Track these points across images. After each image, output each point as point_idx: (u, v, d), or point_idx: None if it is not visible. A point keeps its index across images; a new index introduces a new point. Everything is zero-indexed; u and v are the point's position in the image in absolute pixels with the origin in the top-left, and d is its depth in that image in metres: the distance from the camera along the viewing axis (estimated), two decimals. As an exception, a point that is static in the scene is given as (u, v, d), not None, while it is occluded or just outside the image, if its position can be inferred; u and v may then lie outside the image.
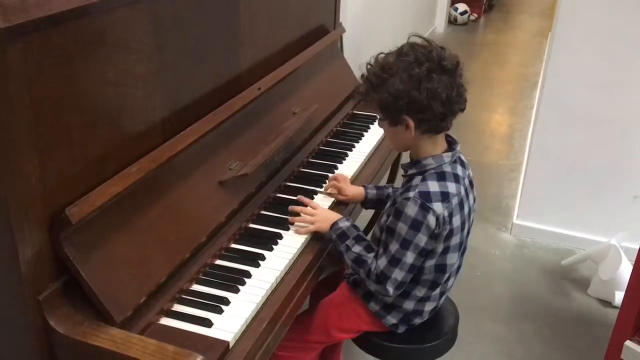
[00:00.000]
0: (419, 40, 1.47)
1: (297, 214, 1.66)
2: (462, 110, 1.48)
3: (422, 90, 1.39)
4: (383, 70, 1.44)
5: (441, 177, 1.47)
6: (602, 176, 2.80)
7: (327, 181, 1.87)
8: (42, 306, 1.15)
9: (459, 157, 1.55)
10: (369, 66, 1.49)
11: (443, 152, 1.51)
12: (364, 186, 1.82)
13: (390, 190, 1.79)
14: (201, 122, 1.57)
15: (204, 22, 1.57)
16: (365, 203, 1.82)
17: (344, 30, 2.55)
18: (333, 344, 1.86)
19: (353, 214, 1.85)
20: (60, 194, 1.17)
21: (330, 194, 1.80)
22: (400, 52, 1.45)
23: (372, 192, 1.80)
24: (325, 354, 1.87)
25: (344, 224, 1.59)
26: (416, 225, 1.43)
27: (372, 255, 1.53)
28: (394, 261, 1.47)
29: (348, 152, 2.08)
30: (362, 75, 1.51)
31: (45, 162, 1.12)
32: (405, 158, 1.61)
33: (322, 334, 1.69)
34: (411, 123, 1.44)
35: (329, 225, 1.59)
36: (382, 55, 1.48)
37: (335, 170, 1.95)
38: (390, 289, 1.49)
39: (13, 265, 1.10)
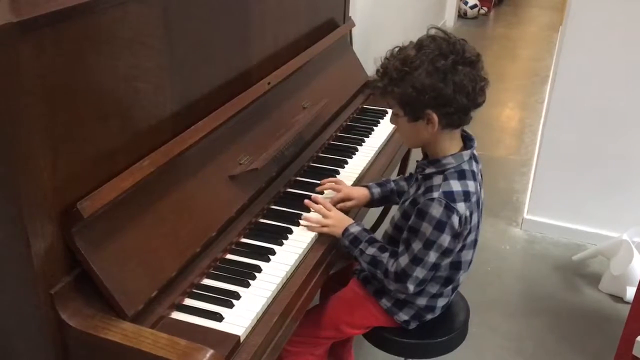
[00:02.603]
0: (435, 32, 1.44)
1: (309, 210, 1.65)
2: (483, 102, 1.44)
3: (448, 83, 1.36)
4: (404, 63, 1.39)
5: (462, 176, 1.45)
6: (613, 171, 2.78)
7: (335, 176, 1.86)
8: (54, 300, 1.16)
9: (473, 153, 1.52)
10: (385, 60, 1.45)
11: (461, 150, 1.48)
12: (366, 186, 1.76)
13: (392, 185, 1.75)
14: (211, 116, 1.57)
15: (215, 16, 1.57)
16: (372, 203, 1.77)
17: (353, 25, 2.54)
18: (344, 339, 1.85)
19: (360, 212, 1.82)
20: (72, 188, 1.17)
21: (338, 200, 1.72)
22: (420, 45, 1.41)
23: (377, 190, 1.74)
24: (335, 347, 1.87)
25: (355, 229, 1.58)
26: (441, 226, 1.41)
27: (386, 254, 1.52)
28: (416, 260, 1.45)
29: (358, 146, 2.07)
30: (378, 71, 1.46)
31: (57, 156, 1.13)
32: (415, 154, 1.58)
33: (333, 329, 1.69)
34: (435, 117, 1.40)
35: (342, 231, 1.58)
36: (398, 49, 1.44)
37: (345, 165, 1.95)
38: (411, 287, 1.48)
39: (26, 260, 1.11)
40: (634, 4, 2.49)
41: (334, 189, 1.73)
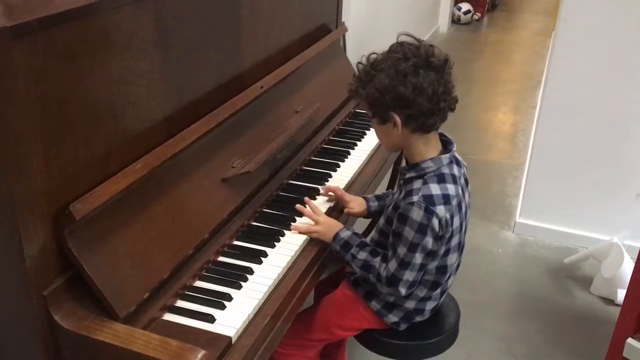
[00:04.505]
0: (408, 39, 1.48)
1: (301, 214, 1.66)
2: (452, 109, 1.47)
3: (407, 84, 1.40)
4: (372, 67, 1.45)
5: (441, 179, 1.48)
6: (604, 175, 2.80)
7: (327, 182, 1.87)
8: (47, 301, 1.16)
9: (454, 157, 1.55)
10: (360, 65, 1.51)
11: (440, 154, 1.51)
12: (365, 198, 1.78)
13: (390, 198, 1.78)
14: (204, 119, 1.58)
15: (207, 20, 1.58)
16: (368, 215, 1.79)
17: (346, 29, 2.56)
18: (337, 341, 1.86)
19: (351, 218, 1.82)
20: (65, 190, 1.18)
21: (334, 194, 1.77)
22: (389, 50, 1.47)
23: (374, 204, 1.76)
24: (329, 349, 1.88)
25: (345, 234, 1.59)
26: (422, 229, 1.44)
27: (378, 259, 1.54)
28: (404, 264, 1.48)
29: (350, 150, 2.09)
30: (354, 75, 1.52)
31: (50, 159, 1.13)
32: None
33: (324, 332, 1.70)
34: (398, 119, 1.44)
35: (332, 236, 1.60)
36: (374, 55, 1.49)
37: (337, 169, 1.96)
38: (403, 290, 1.51)
39: (18, 261, 1.12)
40: (624, 9, 2.51)
41: (339, 197, 1.76)
